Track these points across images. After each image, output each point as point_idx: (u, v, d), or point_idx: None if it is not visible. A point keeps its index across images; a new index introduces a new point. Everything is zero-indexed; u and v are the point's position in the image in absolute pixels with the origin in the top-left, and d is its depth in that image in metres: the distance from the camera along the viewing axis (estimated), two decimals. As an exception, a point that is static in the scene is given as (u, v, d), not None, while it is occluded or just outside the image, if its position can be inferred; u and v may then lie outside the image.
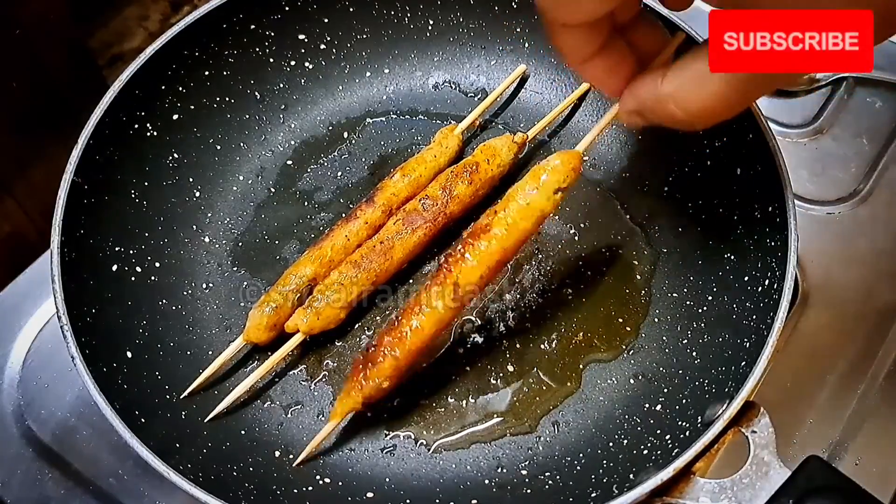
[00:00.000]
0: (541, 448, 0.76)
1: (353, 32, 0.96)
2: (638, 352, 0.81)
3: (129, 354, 0.75)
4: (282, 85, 0.95)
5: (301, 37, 0.94)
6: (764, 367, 0.66)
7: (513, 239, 0.68)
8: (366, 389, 0.71)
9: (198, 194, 0.89)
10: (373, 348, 0.71)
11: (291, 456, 0.75)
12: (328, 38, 0.95)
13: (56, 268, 0.72)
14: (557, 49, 0.60)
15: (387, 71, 0.98)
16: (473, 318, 0.83)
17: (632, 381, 0.79)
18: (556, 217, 0.88)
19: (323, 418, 0.78)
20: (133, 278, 0.81)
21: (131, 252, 0.82)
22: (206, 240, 0.88)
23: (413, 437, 0.77)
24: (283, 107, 0.95)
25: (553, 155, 0.67)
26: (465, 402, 0.79)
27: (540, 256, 0.86)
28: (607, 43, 0.60)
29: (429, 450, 0.77)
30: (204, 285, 0.85)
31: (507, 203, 0.68)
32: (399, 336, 0.70)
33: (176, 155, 0.88)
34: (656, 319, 0.82)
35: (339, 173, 0.93)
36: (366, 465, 0.76)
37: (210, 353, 0.80)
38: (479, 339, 0.82)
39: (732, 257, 0.79)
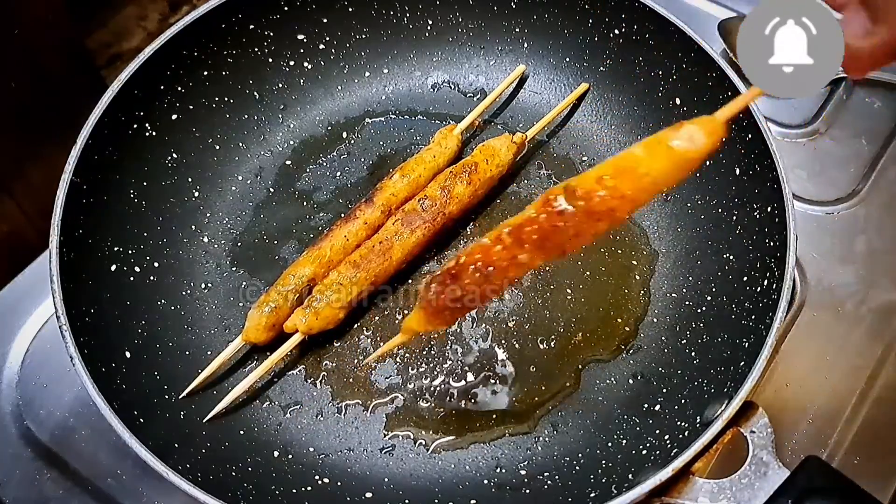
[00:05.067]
0: (540, 448, 0.76)
1: (352, 32, 0.96)
2: (637, 352, 0.81)
3: (127, 354, 0.75)
4: (281, 85, 0.95)
5: (300, 37, 0.94)
6: (763, 367, 0.66)
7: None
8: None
9: (196, 194, 0.89)
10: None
11: (291, 456, 0.75)
12: (327, 38, 0.95)
13: (55, 268, 0.72)
14: None
15: (386, 71, 0.98)
16: (473, 318, 0.83)
17: (631, 381, 0.79)
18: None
19: (322, 418, 0.78)
20: (132, 278, 0.81)
21: (130, 252, 0.82)
22: (205, 240, 0.88)
23: (412, 436, 0.77)
24: (281, 107, 0.95)
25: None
26: (464, 402, 0.79)
27: (539, 256, 0.86)
28: None
29: (428, 450, 0.77)
30: (203, 285, 0.85)
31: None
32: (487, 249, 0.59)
33: (175, 155, 0.88)
34: (655, 319, 0.82)
35: (339, 173, 0.93)
36: (365, 465, 0.76)
37: (209, 353, 0.80)
38: (479, 340, 0.82)
39: (731, 257, 0.79)
